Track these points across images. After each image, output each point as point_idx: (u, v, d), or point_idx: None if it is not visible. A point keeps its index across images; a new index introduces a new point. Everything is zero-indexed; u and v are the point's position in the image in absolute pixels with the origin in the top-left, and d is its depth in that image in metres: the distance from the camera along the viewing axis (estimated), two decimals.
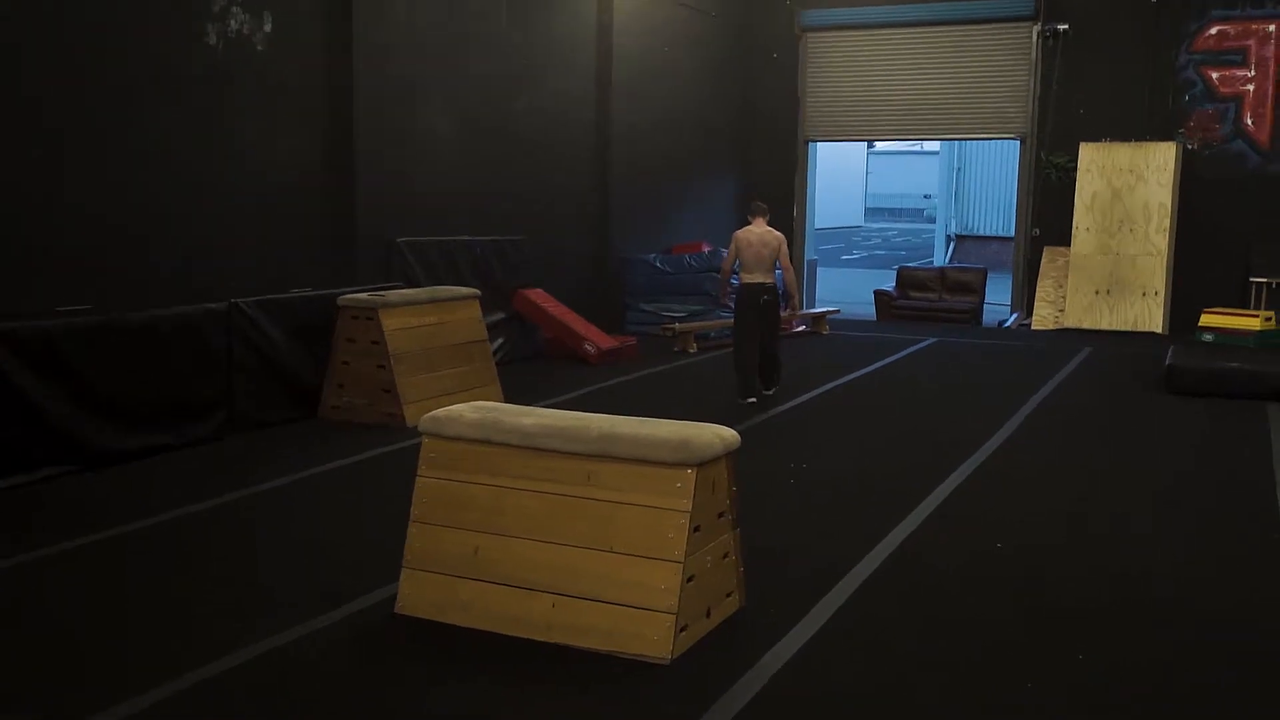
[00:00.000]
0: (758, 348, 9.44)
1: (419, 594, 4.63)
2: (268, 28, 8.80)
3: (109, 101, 7.64)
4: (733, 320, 9.80)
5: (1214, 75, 14.47)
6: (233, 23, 8.51)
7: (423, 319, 8.79)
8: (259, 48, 8.75)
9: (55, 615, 4.70)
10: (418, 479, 4.72)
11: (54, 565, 5.28)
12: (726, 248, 9.98)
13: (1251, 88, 14.32)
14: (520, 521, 4.50)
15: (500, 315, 11.24)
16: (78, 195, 7.45)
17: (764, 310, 9.42)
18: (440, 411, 4.77)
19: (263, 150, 8.86)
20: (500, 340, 11.03)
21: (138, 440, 7.23)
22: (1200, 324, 12.44)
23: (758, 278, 9.40)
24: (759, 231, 9.45)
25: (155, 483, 6.76)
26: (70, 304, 7.08)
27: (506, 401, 8.48)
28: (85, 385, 6.93)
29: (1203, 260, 14.24)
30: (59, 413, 6.75)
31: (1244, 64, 14.32)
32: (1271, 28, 14.15)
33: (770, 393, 9.67)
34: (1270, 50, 14.18)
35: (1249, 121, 14.36)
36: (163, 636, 4.46)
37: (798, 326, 14.09)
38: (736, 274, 9.62)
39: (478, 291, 9.57)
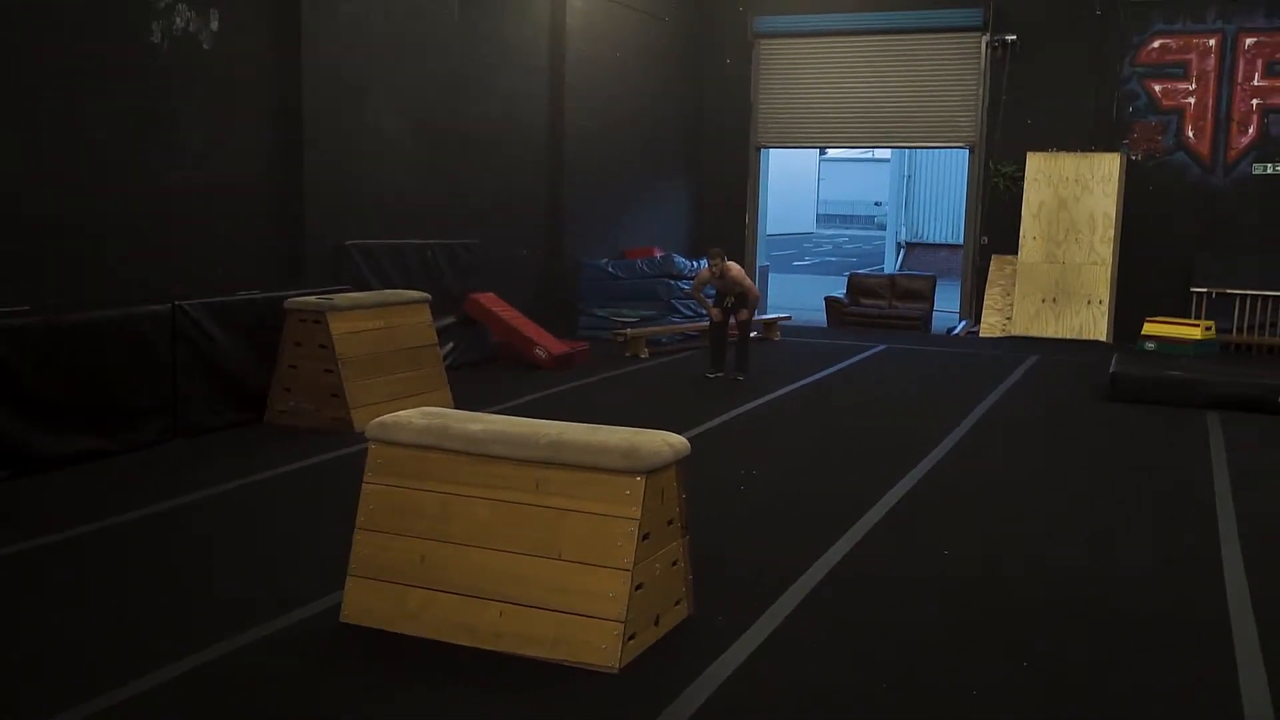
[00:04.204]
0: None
1: (365, 602, 4.57)
2: (214, 26, 8.67)
3: (49, 98, 7.48)
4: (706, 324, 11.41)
5: (1157, 88, 14.74)
6: (178, 20, 8.37)
7: (372, 323, 8.71)
8: (205, 46, 8.62)
9: None
10: (364, 485, 4.66)
11: None
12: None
13: (1193, 100, 14.60)
14: (468, 529, 4.46)
15: (451, 319, 11.16)
16: (14, 193, 7.28)
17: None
18: (388, 417, 4.71)
19: (209, 150, 8.73)
20: (451, 345, 10.95)
21: (76, 445, 7.07)
22: (1143, 333, 12.67)
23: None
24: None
25: (94, 489, 6.61)
26: (6, 304, 6.91)
27: (456, 407, 8.42)
28: (21, 388, 6.76)
29: (1146, 270, 14.51)
30: None
31: (1185, 77, 14.61)
32: (1212, 42, 14.44)
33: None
34: (1211, 64, 14.47)
35: (1190, 134, 14.64)
36: (100, 647, 4.36)
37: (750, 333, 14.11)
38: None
39: (428, 295, 9.49)
